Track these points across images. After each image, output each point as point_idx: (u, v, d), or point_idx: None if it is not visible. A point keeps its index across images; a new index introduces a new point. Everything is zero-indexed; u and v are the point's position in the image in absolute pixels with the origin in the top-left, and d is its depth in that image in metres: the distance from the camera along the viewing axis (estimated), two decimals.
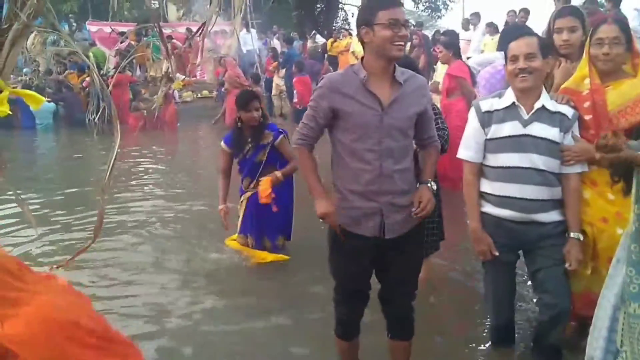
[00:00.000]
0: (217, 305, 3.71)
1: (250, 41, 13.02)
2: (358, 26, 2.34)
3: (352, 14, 24.71)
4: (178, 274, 4.24)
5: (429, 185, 2.39)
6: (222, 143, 4.35)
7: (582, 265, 2.70)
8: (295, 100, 10.54)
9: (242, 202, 4.43)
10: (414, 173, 2.44)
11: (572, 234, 2.60)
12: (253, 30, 13.49)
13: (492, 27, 11.24)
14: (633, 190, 1.97)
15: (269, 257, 4.35)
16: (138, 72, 15.28)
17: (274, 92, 11.25)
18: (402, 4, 2.34)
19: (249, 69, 12.78)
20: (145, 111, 11.35)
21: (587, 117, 2.65)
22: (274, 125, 4.45)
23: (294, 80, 10.85)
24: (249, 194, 4.38)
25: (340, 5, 24.26)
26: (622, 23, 2.72)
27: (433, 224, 3.46)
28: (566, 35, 2.96)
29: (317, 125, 2.40)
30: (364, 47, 2.36)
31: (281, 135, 4.27)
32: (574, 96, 2.67)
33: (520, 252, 2.80)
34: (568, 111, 2.60)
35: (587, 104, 2.64)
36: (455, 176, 4.14)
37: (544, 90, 2.63)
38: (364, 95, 2.31)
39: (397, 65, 2.38)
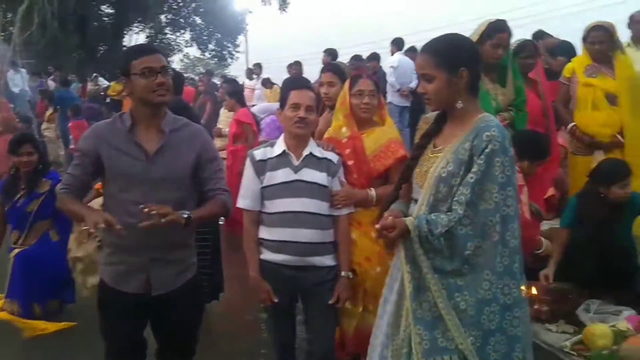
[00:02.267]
0: None
1: (20, 82, 11.88)
2: (119, 76, 2.32)
3: None
4: None
5: (185, 216, 2.20)
6: None
7: (354, 303, 2.87)
8: (71, 146, 9.76)
9: (10, 259, 3.93)
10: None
11: (342, 273, 2.74)
12: (23, 70, 12.35)
13: (269, 82, 11.94)
14: (403, 254, 2.03)
15: (50, 326, 3.84)
16: None
17: (46, 136, 10.32)
18: (157, 51, 2.31)
19: (22, 111, 11.62)
20: None
21: (350, 162, 2.86)
22: (56, 173, 4.07)
23: (69, 124, 10.08)
24: (17, 250, 3.90)
25: (124, 48, 23.51)
26: (375, 78, 3.07)
27: (204, 275, 3.46)
28: (326, 89, 3.28)
29: (83, 174, 2.31)
30: (127, 97, 2.30)
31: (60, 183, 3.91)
32: (336, 144, 2.87)
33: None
34: (333, 157, 2.77)
35: (348, 151, 2.87)
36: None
37: (311, 139, 2.78)
38: (128, 145, 2.25)
39: (169, 113, 2.31)
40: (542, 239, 3.46)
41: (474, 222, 1.93)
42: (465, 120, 2.04)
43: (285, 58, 13.36)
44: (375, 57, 10.31)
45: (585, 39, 4.18)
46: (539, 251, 3.42)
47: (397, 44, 9.46)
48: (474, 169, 1.93)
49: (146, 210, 2.07)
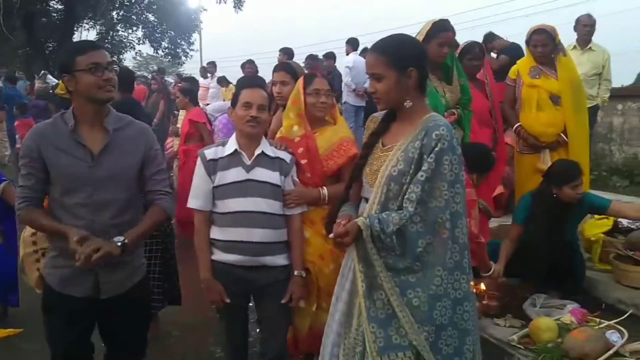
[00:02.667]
0: None
1: None
2: (60, 74, 2.26)
3: None
4: None
5: (119, 243, 2.16)
6: None
7: (307, 302, 2.88)
8: (18, 145, 9.42)
9: None
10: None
11: (295, 272, 2.74)
12: None
13: (225, 81, 11.83)
14: (355, 253, 2.05)
15: None
16: None
17: None
18: (102, 47, 2.28)
19: None
20: None
21: (303, 161, 2.87)
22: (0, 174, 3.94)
23: (15, 123, 9.73)
24: None
25: None
26: (328, 78, 3.10)
27: (155, 281, 3.41)
28: (278, 88, 3.28)
29: (37, 182, 2.21)
30: (70, 95, 2.25)
31: (4, 183, 3.82)
32: (289, 143, 2.87)
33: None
34: (286, 156, 2.77)
35: (301, 150, 2.87)
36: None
37: (263, 138, 2.78)
38: (72, 146, 2.20)
39: (112, 111, 2.26)
40: (492, 262, 3.55)
41: (424, 220, 1.97)
42: (414, 119, 2.08)
43: (241, 57, 13.29)
44: (331, 55, 10.36)
45: (528, 42, 4.31)
46: (487, 274, 3.50)
47: (352, 44, 9.52)
48: (424, 167, 1.97)
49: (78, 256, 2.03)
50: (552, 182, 3.55)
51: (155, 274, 3.48)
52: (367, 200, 2.14)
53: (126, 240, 2.19)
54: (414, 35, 3.75)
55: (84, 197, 2.18)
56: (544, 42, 4.19)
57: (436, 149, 1.96)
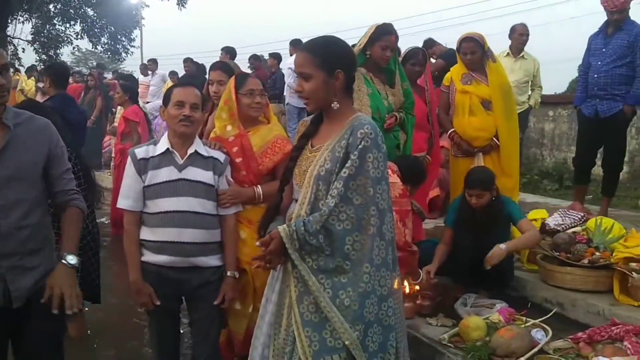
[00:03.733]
0: None
1: None
2: None
3: (23, 49, 22.57)
4: None
5: (65, 261, 2.11)
6: None
7: (243, 304, 2.85)
8: None
9: None
10: (50, 227, 2.24)
11: (227, 273, 2.71)
12: None
13: (175, 76, 11.59)
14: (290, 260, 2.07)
15: None
16: None
17: None
18: None
19: None
20: None
21: (238, 160, 2.86)
22: None
23: None
24: None
25: (8, 39, 21.87)
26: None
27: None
28: (215, 88, 3.28)
29: None
30: None
31: None
32: (223, 143, 2.86)
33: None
34: (220, 156, 2.75)
35: (235, 149, 2.87)
36: None
37: (197, 138, 2.74)
38: None
39: (9, 106, 2.16)
40: (420, 270, 3.63)
41: (350, 217, 1.99)
42: (341, 120, 2.11)
43: (183, 55, 13.07)
44: (275, 55, 10.34)
45: (458, 50, 4.45)
46: (416, 282, 3.57)
47: (296, 45, 9.52)
48: (347, 164, 1.99)
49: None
50: (464, 188, 3.73)
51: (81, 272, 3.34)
52: (296, 201, 2.15)
53: (73, 260, 2.12)
54: (358, 39, 3.84)
55: None
56: (472, 50, 4.33)
57: (360, 146, 1.99)
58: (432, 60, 6.75)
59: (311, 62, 2.06)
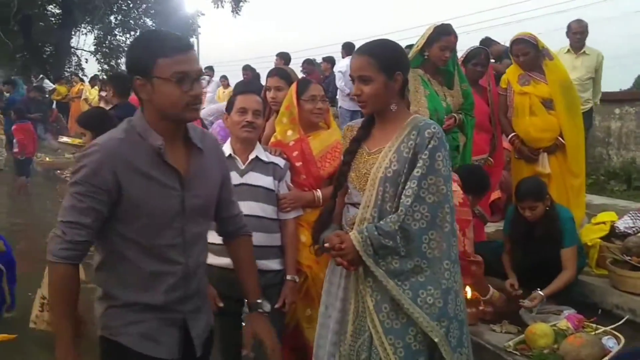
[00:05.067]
0: None
1: None
2: (130, 75, 1.70)
3: (86, 59, 23.56)
4: None
5: (262, 310, 1.96)
6: None
7: (312, 308, 2.84)
8: (15, 149, 9.40)
9: None
10: None
11: (288, 277, 2.73)
12: None
13: (226, 80, 11.81)
14: (361, 270, 2.08)
15: None
16: None
17: None
18: (192, 47, 1.74)
19: None
20: None
21: (298, 164, 2.88)
22: None
23: (13, 127, 9.71)
24: None
25: (72, 50, 22.89)
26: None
27: None
28: (273, 94, 3.28)
29: (96, 221, 1.63)
30: (141, 100, 1.72)
31: None
32: (283, 147, 2.89)
33: None
34: (280, 162, 2.79)
35: (295, 153, 2.89)
36: None
37: (258, 144, 2.79)
38: (160, 171, 1.68)
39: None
40: (490, 286, 3.53)
41: (425, 216, 2.01)
42: (397, 122, 2.12)
43: (239, 62, 13.28)
44: (329, 59, 10.37)
45: (511, 52, 4.33)
46: (485, 297, 3.47)
47: (347, 48, 9.52)
48: (419, 164, 2.01)
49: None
50: (516, 199, 3.63)
51: None
52: (354, 205, 2.16)
53: (267, 307, 2.02)
54: (416, 39, 3.81)
55: (175, 236, 1.72)
56: (524, 51, 4.21)
57: (429, 146, 2.01)
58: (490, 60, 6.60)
59: (371, 65, 2.06)
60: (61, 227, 1.62)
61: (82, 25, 22.49)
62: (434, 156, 2.01)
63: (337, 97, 9.24)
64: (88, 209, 1.61)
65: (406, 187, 2.01)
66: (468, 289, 3.37)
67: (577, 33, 6.08)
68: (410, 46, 4.28)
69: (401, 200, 2.01)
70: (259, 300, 2.01)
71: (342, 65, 9.10)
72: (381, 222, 2.03)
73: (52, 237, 1.64)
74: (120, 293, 1.71)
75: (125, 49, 23.98)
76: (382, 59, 2.06)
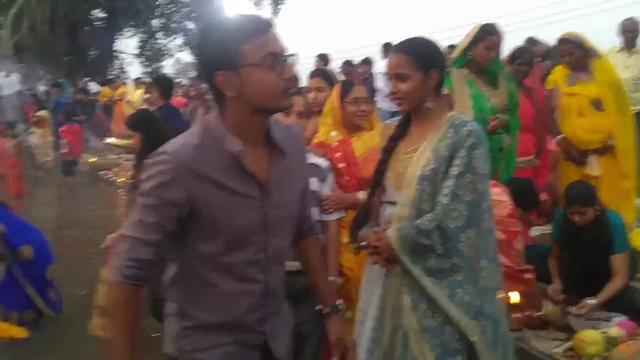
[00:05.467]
0: None
1: (11, 85, 11.83)
2: (209, 71, 1.48)
3: (129, 62, 24.12)
4: None
5: (341, 312, 1.85)
6: None
7: (353, 310, 2.84)
8: (64, 150, 9.68)
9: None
10: None
11: (329, 278, 2.71)
12: (14, 75, 12.25)
13: None
14: (398, 267, 2.07)
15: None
16: None
17: (36, 142, 10.22)
18: (273, 25, 1.50)
19: (8, 115, 11.54)
20: None
21: (341, 166, 2.88)
22: None
23: (61, 129, 10.01)
24: None
25: (115, 53, 23.47)
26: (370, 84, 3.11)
27: None
28: (314, 95, 3.29)
29: (164, 237, 1.48)
30: (221, 101, 1.51)
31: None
32: (326, 149, 2.90)
33: None
34: (322, 163, 2.79)
35: (338, 154, 2.89)
36: None
37: None
38: (238, 179, 1.49)
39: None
40: (543, 301, 3.44)
41: (462, 214, 1.99)
42: (434, 120, 2.11)
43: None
44: (367, 61, 10.33)
45: (556, 52, 4.23)
46: (539, 313, 3.38)
47: (387, 48, 9.47)
48: (456, 162, 2.00)
49: None
50: (565, 203, 3.53)
51: None
52: (391, 203, 2.16)
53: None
54: (458, 39, 3.76)
55: (256, 251, 1.54)
56: (569, 51, 4.10)
57: (467, 143, 2.00)
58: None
59: (408, 63, 2.06)
60: (127, 242, 1.48)
61: (126, 29, 23.04)
62: (471, 154, 1.99)
63: (376, 98, 9.19)
64: (156, 224, 1.46)
65: (443, 186, 2.00)
66: (513, 294, 3.29)
67: (630, 31, 5.90)
68: (452, 46, 4.24)
69: (438, 199, 2.01)
70: (337, 302, 1.89)
71: (383, 66, 9.06)
72: (418, 220, 2.02)
73: (116, 251, 1.53)
74: (195, 312, 1.56)
75: (167, 51, 24.72)
76: (418, 57, 2.06)
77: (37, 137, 9.96)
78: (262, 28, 1.45)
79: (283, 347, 1.68)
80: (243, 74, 1.44)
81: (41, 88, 14.07)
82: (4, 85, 11.72)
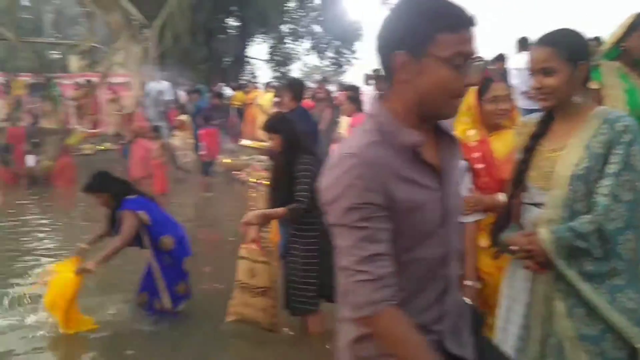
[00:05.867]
0: None
1: (166, 90, 12.79)
2: (388, 48, 1.37)
3: (260, 67, 25.20)
4: None
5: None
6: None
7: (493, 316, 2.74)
8: (202, 152, 10.32)
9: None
10: None
11: (467, 282, 2.65)
12: (165, 82, 13.20)
13: None
14: (551, 273, 1.99)
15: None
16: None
17: (178, 144, 10.95)
18: (476, 23, 1.36)
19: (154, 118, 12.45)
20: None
21: (479, 166, 2.78)
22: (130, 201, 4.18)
23: (199, 132, 10.66)
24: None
25: (247, 59, 24.62)
26: (506, 81, 2.93)
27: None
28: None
29: (388, 244, 1.35)
30: (392, 82, 1.40)
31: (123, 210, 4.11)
32: (464, 148, 2.77)
33: None
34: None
35: (476, 154, 2.79)
36: None
37: None
38: (419, 171, 1.40)
39: None
40: None
41: (621, 215, 1.87)
42: (581, 116, 1.98)
43: None
44: (501, 57, 9.90)
45: None
46: None
47: (523, 43, 8.99)
48: (614, 160, 1.88)
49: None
50: None
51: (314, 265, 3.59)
52: (536, 205, 2.06)
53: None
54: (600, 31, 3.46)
55: (439, 245, 1.43)
56: None
57: (624, 140, 1.89)
58: None
59: (556, 56, 1.94)
60: (356, 270, 1.32)
61: (256, 35, 24.07)
62: (628, 151, 1.88)
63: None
64: (376, 232, 1.33)
65: (600, 185, 1.89)
66: None
67: None
68: (597, 38, 3.90)
69: (596, 200, 1.89)
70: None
71: (518, 61, 8.61)
72: (574, 222, 1.90)
73: (347, 290, 1.37)
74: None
75: (295, 55, 25.44)
76: (567, 49, 1.95)
77: (178, 140, 10.66)
78: (465, 22, 1.33)
79: (465, 345, 1.53)
80: (424, 62, 1.33)
81: (182, 94, 15.06)
82: (151, 89, 12.61)
